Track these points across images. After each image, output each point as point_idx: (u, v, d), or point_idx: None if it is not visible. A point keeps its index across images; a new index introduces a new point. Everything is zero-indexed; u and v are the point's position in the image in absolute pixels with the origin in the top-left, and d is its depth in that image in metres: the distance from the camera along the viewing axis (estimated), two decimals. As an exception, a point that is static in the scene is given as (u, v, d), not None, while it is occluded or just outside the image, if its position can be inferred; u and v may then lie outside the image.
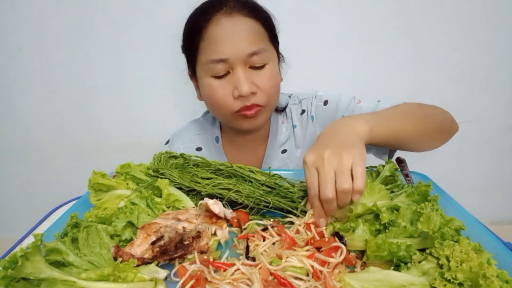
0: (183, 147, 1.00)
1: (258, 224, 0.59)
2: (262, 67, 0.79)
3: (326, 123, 0.92)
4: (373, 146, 0.84)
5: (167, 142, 1.06)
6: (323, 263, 0.47)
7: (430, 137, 0.75)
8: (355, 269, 0.49)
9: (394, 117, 0.71)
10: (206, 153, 0.99)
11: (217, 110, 0.84)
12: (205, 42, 0.78)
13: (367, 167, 0.71)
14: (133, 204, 0.60)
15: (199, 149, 1.00)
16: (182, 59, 0.91)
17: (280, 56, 0.90)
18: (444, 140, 0.79)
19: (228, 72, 0.78)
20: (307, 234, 0.54)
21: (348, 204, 0.53)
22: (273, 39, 0.85)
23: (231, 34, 0.75)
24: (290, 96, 1.00)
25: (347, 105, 0.90)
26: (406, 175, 0.72)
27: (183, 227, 0.54)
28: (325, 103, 0.93)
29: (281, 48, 0.90)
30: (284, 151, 0.96)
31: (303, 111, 0.96)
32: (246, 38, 0.76)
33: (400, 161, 0.75)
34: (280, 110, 0.98)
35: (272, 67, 0.81)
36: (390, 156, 0.86)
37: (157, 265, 0.49)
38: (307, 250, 0.49)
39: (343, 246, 0.48)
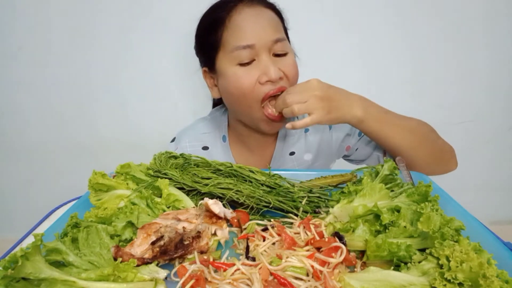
0: (190, 145, 0.99)
1: (258, 224, 0.59)
2: (284, 55, 0.81)
3: (340, 130, 0.96)
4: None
5: (173, 140, 1.04)
6: (323, 263, 0.47)
7: (422, 159, 0.79)
8: (355, 269, 0.49)
9: (395, 125, 0.77)
10: (213, 152, 0.98)
11: (242, 101, 0.82)
12: (229, 31, 0.79)
13: (366, 167, 0.71)
14: (133, 204, 0.60)
15: (205, 148, 0.99)
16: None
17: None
18: (436, 170, 0.82)
19: (253, 60, 0.79)
20: (307, 234, 0.54)
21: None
22: (286, 32, 0.87)
23: (256, 21, 0.78)
24: None
25: None
26: (406, 175, 0.72)
27: (183, 227, 0.54)
28: None
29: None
30: (292, 153, 0.96)
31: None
32: (269, 26, 0.79)
33: (400, 161, 0.75)
34: None
35: (292, 56, 0.84)
36: None
37: (157, 265, 0.49)
38: (307, 250, 0.49)
39: (343, 246, 0.48)
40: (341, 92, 0.76)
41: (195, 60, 0.92)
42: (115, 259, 0.47)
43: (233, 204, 0.64)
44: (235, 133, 0.98)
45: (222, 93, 0.87)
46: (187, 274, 0.46)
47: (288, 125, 0.74)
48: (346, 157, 1.01)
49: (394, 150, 0.79)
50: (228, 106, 0.93)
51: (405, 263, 0.46)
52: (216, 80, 0.87)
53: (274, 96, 0.80)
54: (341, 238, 0.51)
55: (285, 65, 0.80)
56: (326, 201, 0.64)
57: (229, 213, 0.57)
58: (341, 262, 0.47)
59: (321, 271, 0.45)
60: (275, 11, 0.83)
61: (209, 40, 0.83)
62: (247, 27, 0.78)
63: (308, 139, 0.97)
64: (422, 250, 0.46)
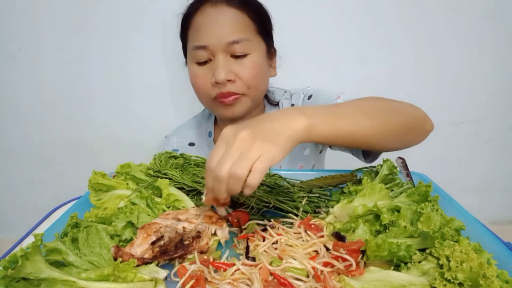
0: (177, 141, 1.02)
1: (258, 224, 0.59)
2: (243, 56, 0.80)
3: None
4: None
5: (166, 137, 1.08)
6: (326, 263, 0.47)
7: (394, 136, 0.64)
8: (355, 269, 0.48)
9: (351, 113, 0.58)
10: (199, 148, 1.00)
11: (199, 97, 0.88)
12: (191, 30, 0.83)
13: (366, 168, 0.71)
14: (133, 204, 0.60)
15: (191, 144, 1.01)
16: (181, 58, 0.91)
17: (273, 50, 0.90)
18: (415, 140, 0.69)
19: (210, 60, 0.81)
20: (308, 235, 0.54)
21: (237, 195, 0.49)
22: (262, 31, 0.85)
23: (213, 22, 0.79)
24: (285, 91, 1.00)
25: (326, 101, 0.87)
26: (407, 175, 0.72)
27: (183, 227, 0.54)
28: (309, 97, 0.93)
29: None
30: None
31: (292, 106, 0.96)
32: (227, 27, 0.79)
33: (399, 161, 0.75)
34: (274, 105, 0.98)
35: (255, 58, 0.82)
36: (368, 156, 0.77)
37: (157, 265, 0.49)
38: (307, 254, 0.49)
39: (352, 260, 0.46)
40: (266, 115, 0.53)
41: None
42: (115, 259, 0.47)
43: (233, 204, 0.64)
44: (220, 128, 0.99)
45: None
46: (187, 274, 0.46)
47: (245, 190, 0.46)
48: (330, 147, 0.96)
49: (366, 141, 0.61)
50: None
51: (405, 263, 0.45)
52: None
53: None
54: (341, 238, 0.51)
55: (241, 67, 0.80)
56: (326, 201, 0.64)
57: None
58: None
59: (321, 271, 0.45)
60: (244, 10, 0.80)
61: (182, 35, 0.88)
62: (204, 28, 0.79)
63: None
64: (422, 250, 0.46)
